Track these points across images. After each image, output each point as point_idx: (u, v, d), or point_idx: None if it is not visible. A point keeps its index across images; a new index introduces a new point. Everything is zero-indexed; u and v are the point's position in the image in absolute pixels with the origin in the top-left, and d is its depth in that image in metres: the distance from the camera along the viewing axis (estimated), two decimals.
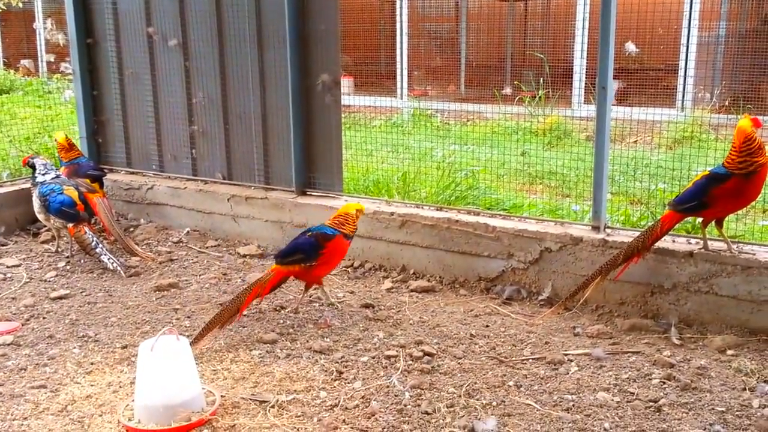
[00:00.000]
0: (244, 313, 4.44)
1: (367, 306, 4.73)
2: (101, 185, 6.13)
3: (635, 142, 8.77)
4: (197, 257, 5.73)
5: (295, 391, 3.64)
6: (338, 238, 4.52)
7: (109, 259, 5.37)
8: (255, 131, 5.99)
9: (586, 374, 3.78)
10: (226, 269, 5.44)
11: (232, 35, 5.94)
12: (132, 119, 6.72)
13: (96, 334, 4.35)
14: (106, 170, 6.57)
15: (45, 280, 5.26)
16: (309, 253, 4.48)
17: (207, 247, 5.93)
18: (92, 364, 3.99)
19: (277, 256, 4.59)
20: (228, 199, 6.03)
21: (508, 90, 10.29)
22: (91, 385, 3.75)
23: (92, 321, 4.55)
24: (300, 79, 5.63)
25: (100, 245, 5.46)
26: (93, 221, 5.78)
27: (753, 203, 4.99)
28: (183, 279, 5.25)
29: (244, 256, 5.72)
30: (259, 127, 5.96)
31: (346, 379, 3.76)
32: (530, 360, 3.96)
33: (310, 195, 5.80)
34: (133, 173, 6.79)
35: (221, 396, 3.56)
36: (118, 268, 5.32)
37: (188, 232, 6.21)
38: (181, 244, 6.03)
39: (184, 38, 6.20)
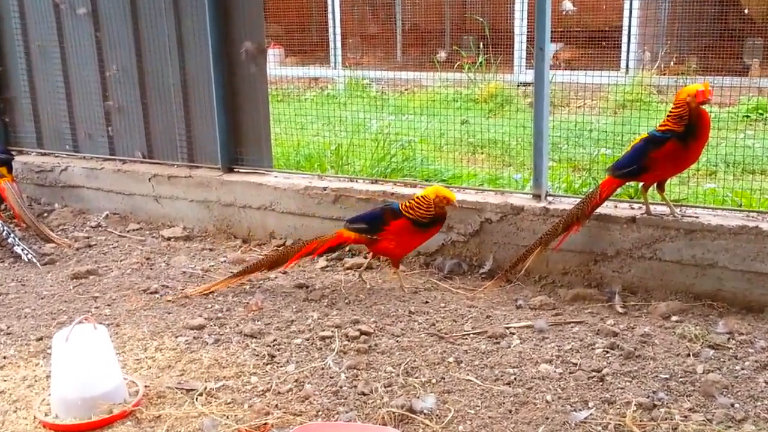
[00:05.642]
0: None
1: (300, 286, 4.75)
2: (9, 169, 6.00)
3: (580, 107, 8.91)
4: (117, 242, 5.70)
5: (224, 377, 3.66)
6: (404, 221, 4.49)
7: (22, 249, 5.29)
8: (176, 106, 5.94)
9: (528, 347, 3.88)
10: (150, 253, 5.42)
11: (146, 1, 5.85)
12: (41, 96, 6.60)
13: (8, 327, 4.29)
14: (14, 153, 6.44)
15: None
16: (371, 225, 4.55)
17: (128, 231, 5.90)
18: (5, 358, 3.95)
19: (348, 219, 4.72)
20: (149, 179, 5.99)
21: (442, 54, 10.34)
22: (4, 381, 3.71)
23: (4, 313, 4.49)
24: (221, 47, 5.59)
25: (12, 235, 5.37)
26: (2, 208, 5.68)
27: (696, 166, 5.17)
28: (102, 265, 5.21)
29: (169, 239, 5.71)
30: (180, 100, 5.91)
31: (278, 363, 3.79)
32: (471, 335, 4.04)
33: (238, 172, 5.79)
34: (44, 154, 6.68)
35: (145, 386, 3.56)
36: (33, 259, 5.24)
37: (107, 215, 6.16)
38: (99, 228, 5.98)
39: (93, 6, 6.09)
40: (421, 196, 4.48)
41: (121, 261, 5.31)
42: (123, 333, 4.17)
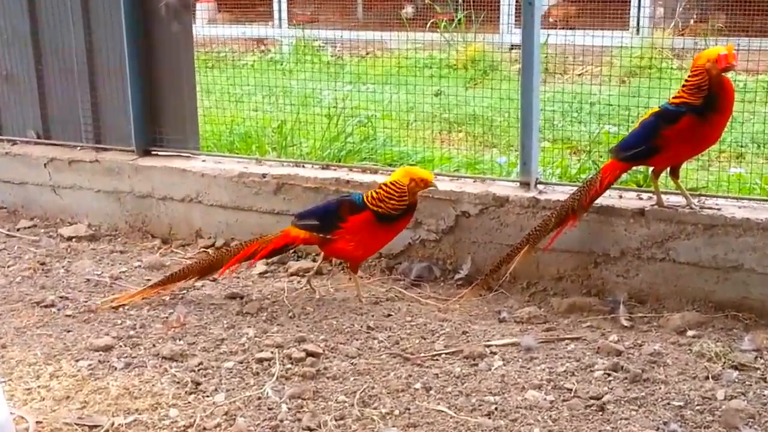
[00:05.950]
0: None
1: (233, 297, 4.75)
2: None
3: (580, 74, 8.95)
4: (5, 242, 5.69)
5: (136, 410, 3.63)
6: (366, 216, 4.45)
7: None
8: (79, 74, 5.92)
9: (513, 369, 3.88)
10: (45, 257, 5.40)
11: None
12: None
13: None
14: None
15: None
16: (324, 222, 4.54)
17: (18, 229, 5.89)
18: None
19: (296, 214, 4.73)
20: (45, 165, 5.97)
21: (409, 10, 10.36)
22: None
23: None
24: (136, 1, 5.55)
25: None
26: None
27: (717, 147, 5.20)
28: None
29: (70, 238, 5.70)
30: (84, 67, 5.89)
31: (204, 392, 3.77)
32: (443, 355, 4.04)
33: (156, 155, 5.78)
34: None
35: (37, 422, 3.52)
36: None
37: None
38: None
39: None
40: (391, 183, 4.43)
41: (8, 267, 5.29)
42: (10, 356, 4.12)
